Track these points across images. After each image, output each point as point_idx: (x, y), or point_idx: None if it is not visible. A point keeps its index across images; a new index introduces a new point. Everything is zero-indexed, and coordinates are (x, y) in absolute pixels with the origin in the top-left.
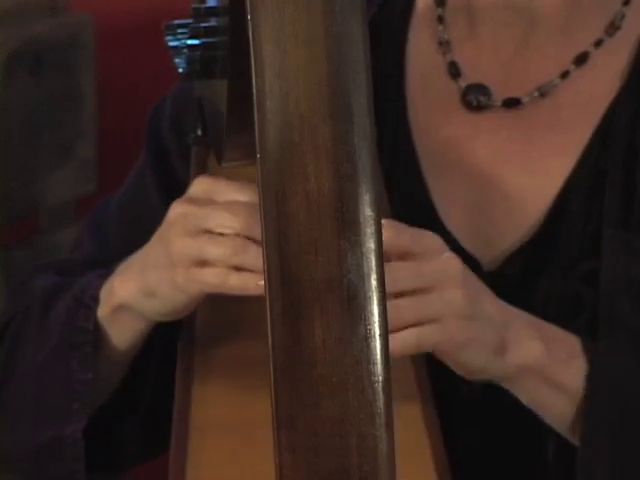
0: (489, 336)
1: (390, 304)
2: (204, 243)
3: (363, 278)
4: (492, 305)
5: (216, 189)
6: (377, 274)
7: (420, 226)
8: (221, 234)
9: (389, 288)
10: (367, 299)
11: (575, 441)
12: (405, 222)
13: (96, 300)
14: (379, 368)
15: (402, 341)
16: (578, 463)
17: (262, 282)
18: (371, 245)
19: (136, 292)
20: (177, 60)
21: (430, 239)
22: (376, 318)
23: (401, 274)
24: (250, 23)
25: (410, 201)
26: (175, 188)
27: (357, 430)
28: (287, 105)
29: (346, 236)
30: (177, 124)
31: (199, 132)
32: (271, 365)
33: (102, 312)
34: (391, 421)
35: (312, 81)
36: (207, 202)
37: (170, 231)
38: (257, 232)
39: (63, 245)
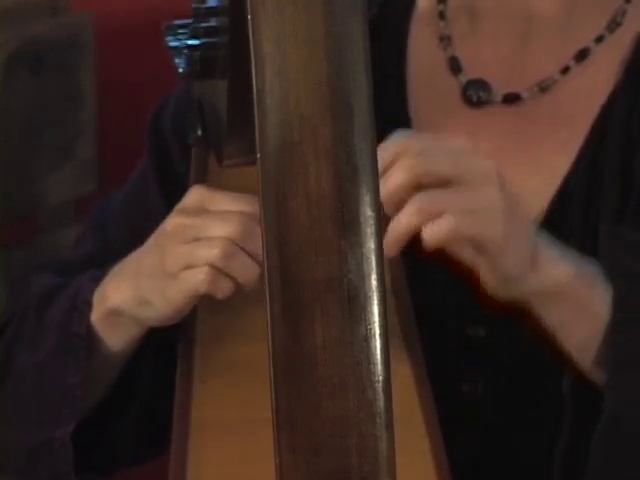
0: (526, 243)
1: (424, 194)
2: (194, 247)
3: (363, 278)
4: (524, 218)
5: (210, 199)
6: (377, 274)
7: None
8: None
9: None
10: (367, 299)
11: (593, 374)
12: None
13: (89, 304)
14: (379, 368)
15: (437, 227)
16: (605, 390)
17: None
18: (371, 245)
19: (130, 299)
20: (177, 60)
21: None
22: (376, 318)
23: (438, 159)
24: (250, 23)
25: None
26: (176, 188)
27: (357, 430)
28: (287, 105)
29: (346, 236)
30: (179, 125)
31: (199, 132)
32: (271, 365)
33: (95, 316)
34: (391, 421)
35: (312, 81)
36: (201, 212)
37: (166, 241)
38: (248, 241)
39: (63, 245)
